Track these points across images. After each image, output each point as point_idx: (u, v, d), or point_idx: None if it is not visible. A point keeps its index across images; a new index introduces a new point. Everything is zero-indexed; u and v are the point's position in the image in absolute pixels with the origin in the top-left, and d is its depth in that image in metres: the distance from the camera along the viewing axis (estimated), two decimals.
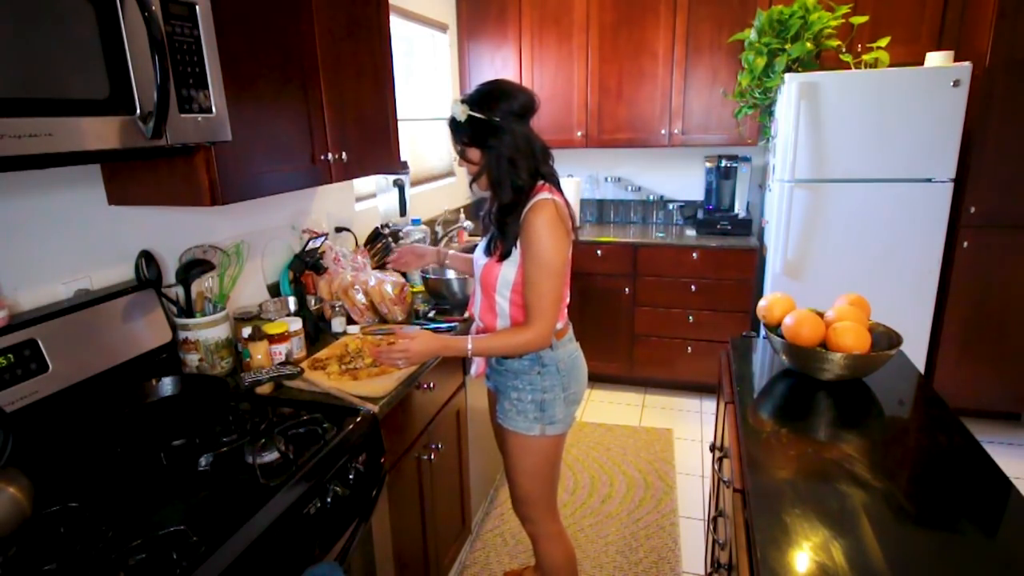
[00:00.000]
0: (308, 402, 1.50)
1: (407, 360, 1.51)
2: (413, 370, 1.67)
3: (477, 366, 1.71)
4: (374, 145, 2.08)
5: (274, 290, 2.05)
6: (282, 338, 1.69)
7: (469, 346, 1.51)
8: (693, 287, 3.33)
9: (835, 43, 2.80)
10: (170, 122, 1.11)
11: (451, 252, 1.92)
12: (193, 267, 1.58)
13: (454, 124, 1.48)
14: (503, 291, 1.54)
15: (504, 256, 1.50)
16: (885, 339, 1.53)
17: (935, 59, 2.66)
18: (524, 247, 1.46)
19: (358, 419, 1.42)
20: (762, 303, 1.68)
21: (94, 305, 1.37)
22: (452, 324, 2.01)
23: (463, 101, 1.46)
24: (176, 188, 1.40)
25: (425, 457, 1.78)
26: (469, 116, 1.44)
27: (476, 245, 1.66)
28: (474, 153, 1.49)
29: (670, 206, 3.86)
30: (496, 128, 1.44)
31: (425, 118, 3.37)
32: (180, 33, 1.14)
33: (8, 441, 1.02)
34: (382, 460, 1.48)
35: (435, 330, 1.96)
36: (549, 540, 1.74)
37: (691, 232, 3.55)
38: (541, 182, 1.50)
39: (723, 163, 3.48)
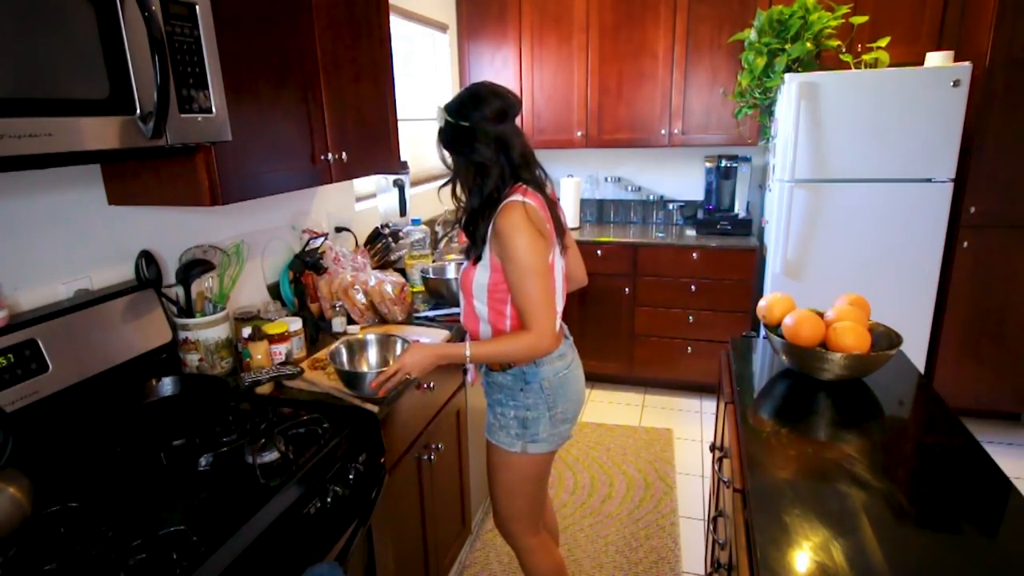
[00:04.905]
0: (308, 402, 1.50)
1: (407, 376, 1.46)
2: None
3: (471, 374, 1.67)
4: (374, 145, 2.08)
5: (274, 290, 2.05)
6: (282, 338, 1.69)
7: (467, 352, 1.45)
8: (693, 287, 3.34)
9: (835, 43, 2.80)
10: (170, 122, 1.11)
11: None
12: (193, 267, 1.58)
13: (438, 131, 1.50)
14: (479, 295, 1.51)
15: (477, 260, 1.48)
16: (885, 339, 1.53)
17: (935, 59, 2.66)
18: (501, 253, 1.42)
19: (358, 419, 1.42)
20: (762, 303, 1.68)
21: (94, 305, 1.37)
22: (452, 325, 2.01)
23: (444, 107, 1.46)
24: (176, 188, 1.40)
25: (425, 457, 1.78)
26: (446, 122, 1.45)
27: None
28: (450, 159, 1.49)
29: (670, 206, 3.86)
30: (468, 134, 1.42)
31: (425, 118, 3.37)
32: (180, 33, 1.14)
33: (8, 441, 1.02)
34: (382, 460, 1.48)
35: (425, 319, 2.02)
36: (532, 554, 1.70)
37: (691, 232, 3.55)
38: (517, 184, 1.45)
39: (723, 163, 3.48)
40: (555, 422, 1.56)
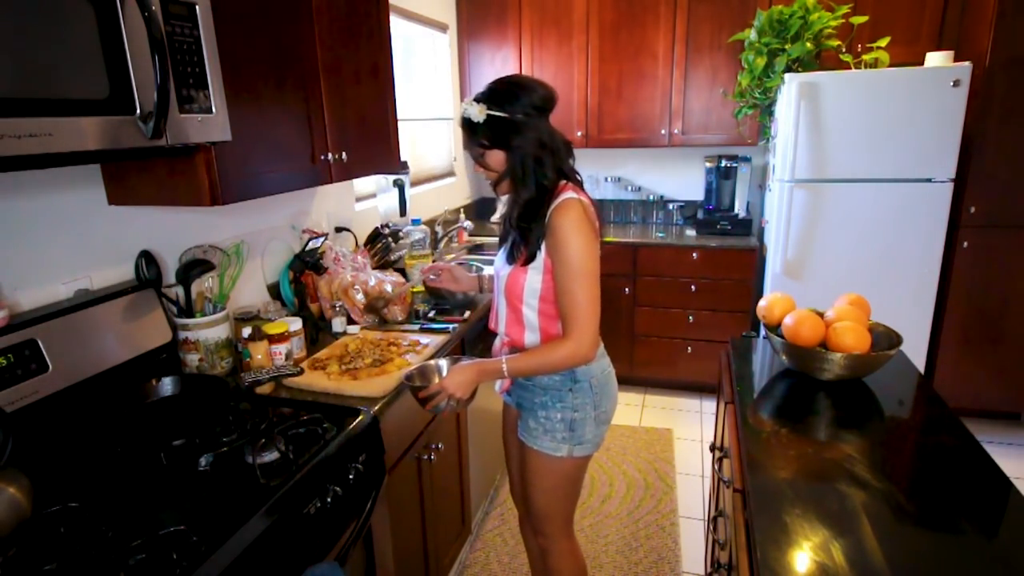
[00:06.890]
0: (308, 402, 1.50)
1: (453, 398, 1.41)
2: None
3: (502, 383, 1.58)
4: (374, 145, 2.08)
5: (274, 290, 2.05)
6: (282, 338, 1.69)
7: (504, 368, 1.39)
8: (693, 287, 3.34)
9: (835, 43, 2.80)
10: (170, 122, 1.11)
11: (487, 275, 1.79)
12: (193, 267, 1.58)
13: (470, 126, 1.37)
14: (530, 301, 1.42)
15: (529, 261, 1.39)
16: (885, 339, 1.53)
17: (935, 59, 2.66)
18: (553, 252, 1.35)
19: (358, 419, 1.42)
20: (762, 303, 1.68)
21: (94, 305, 1.37)
22: (451, 324, 2.01)
23: (478, 100, 1.35)
24: (176, 188, 1.40)
25: (425, 457, 1.78)
26: (488, 116, 1.33)
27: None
28: (496, 156, 1.37)
29: (670, 206, 3.86)
30: (519, 125, 1.34)
31: (425, 118, 3.37)
32: (180, 33, 1.14)
33: (8, 441, 1.02)
34: (382, 460, 1.48)
35: (433, 330, 1.97)
36: (562, 556, 1.66)
37: (691, 232, 3.55)
38: (564, 181, 1.40)
39: (723, 163, 3.47)
40: (598, 423, 1.51)
